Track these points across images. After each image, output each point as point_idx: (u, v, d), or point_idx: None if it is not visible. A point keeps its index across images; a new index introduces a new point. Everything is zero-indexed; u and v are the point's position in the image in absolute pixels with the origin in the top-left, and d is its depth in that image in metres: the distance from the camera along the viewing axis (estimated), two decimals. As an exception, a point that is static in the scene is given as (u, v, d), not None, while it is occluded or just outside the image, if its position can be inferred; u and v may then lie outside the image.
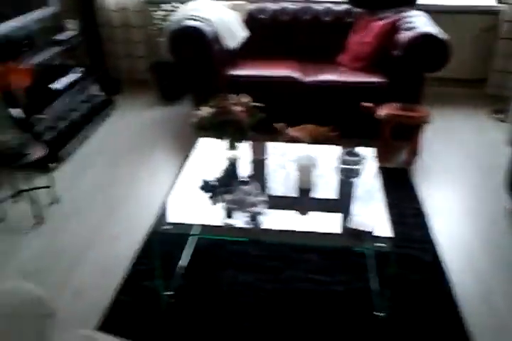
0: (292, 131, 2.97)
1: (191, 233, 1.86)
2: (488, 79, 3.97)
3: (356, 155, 2.24)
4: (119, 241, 2.34)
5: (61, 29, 3.42)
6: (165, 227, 1.81)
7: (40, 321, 1.22)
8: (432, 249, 2.27)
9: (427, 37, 3.03)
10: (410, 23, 3.33)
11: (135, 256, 2.22)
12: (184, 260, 2.19)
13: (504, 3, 3.73)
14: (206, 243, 2.28)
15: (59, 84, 3.13)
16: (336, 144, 2.45)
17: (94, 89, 3.63)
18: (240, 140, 2.26)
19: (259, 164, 2.35)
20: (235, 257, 2.21)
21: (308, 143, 2.84)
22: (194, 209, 1.95)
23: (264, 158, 2.40)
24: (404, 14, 3.53)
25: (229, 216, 1.86)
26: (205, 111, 2.19)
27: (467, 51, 4.00)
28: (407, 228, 2.41)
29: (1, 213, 2.49)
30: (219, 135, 2.23)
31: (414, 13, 3.55)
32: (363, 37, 3.47)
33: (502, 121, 3.58)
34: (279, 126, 2.99)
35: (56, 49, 3.20)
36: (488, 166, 3.01)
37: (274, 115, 3.15)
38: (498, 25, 3.80)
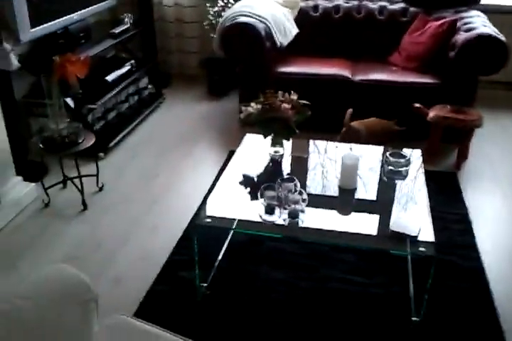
0: (354, 123, 2.91)
1: (232, 227, 1.87)
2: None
3: (403, 156, 2.20)
4: (159, 232, 2.39)
5: (117, 23, 3.51)
6: (205, 220, 1.84)
7: (84, 305, 1.24)
8: (475, 256, 2.21)
9: (483, 38, 2.94)
10: (469, 23, 3.23)
11: (174, 247, 2.26)
12: (221, 254, 2.22)
13: None
14: (244, 238, 2.30)
15: (112, 76, 3.22)
16: (399, 140, 2.41)
17: (145, 82, 3.72)
18: (286, 137, 2.27)
19: (302, 162, 2.35)
20: (272, 254, 2.22)
21: (367, 136, 2.80)
22: (234, 204, 1.97)
23: (308, 155, 2.40)
24: (462, 14, 3.43)
25: (269, 212, 1.87)
26: (254, 107, 2.21)
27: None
28: (450, 233, 2.35)
29: (48, 198, 2.58)
30: (266, 131, 2.23)
31: (473, 13, 3.44)
32: (418, 37, 3.39)
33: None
34: (347, 112, 2.91)
35: (111, 42, 3.29)
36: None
37: (323, 114, 3.16)
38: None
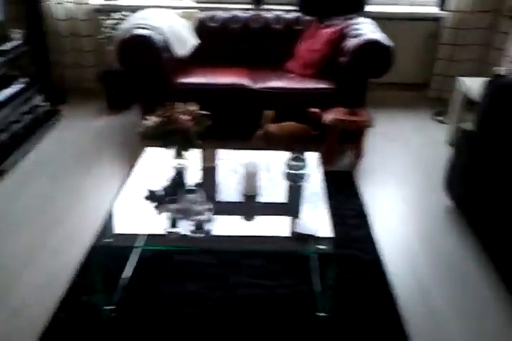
0: (271, 127, 2.97)
1: (135, 244, 1.86)
2: (430, 83, 4.12)
3: (302, 160, 2.29)
4: (60, 256, 2.30)
5: (5, 39, 3.35)
6: (107, 240, 1.80)
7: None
8: (373, 248, 2.35)
9: (371, 44, 3.13)
10: (357, 30, 3.43)
11: (77, 271, 2.18)
12: (128, 272, 2.17)
13: (446, 11, 3.89)
14: (152, 254, 2.27)
15: (1, 95, 3.06)
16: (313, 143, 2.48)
17: (39, 100, 3.56)
18: (187, 148, 2.28)
19: (206, 172, 2.37)
20: (182, 267, 2.21)
21: (283, 140, 2.86)
22: (138, 219, 1.95)
23: (212, 165, 2.42)
24: (351, 21, 3.63)
25: (174, 225, 1.87)
26: (152, 120, 2.20)
27: (412, 56, 4.15)
28: (349, 228, 2.48)
29: None
30: (166, 144, 2.24)
31: (361, 20, 3.65)
32: (312, 44, 3.55)
33: (442, 122, 3.73)
34: (267, 113, 2.97)
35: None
36: (429, 166, 3.13)
37: (228, 122, 3.22)
38: (440, 31, 3.95)
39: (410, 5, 4.16)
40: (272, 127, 2.97)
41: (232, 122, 3.29)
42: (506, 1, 3.69)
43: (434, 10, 4.02)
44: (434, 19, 3.99)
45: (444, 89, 4.09)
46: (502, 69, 3.19)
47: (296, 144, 2.64)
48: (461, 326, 1.94)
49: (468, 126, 2.87)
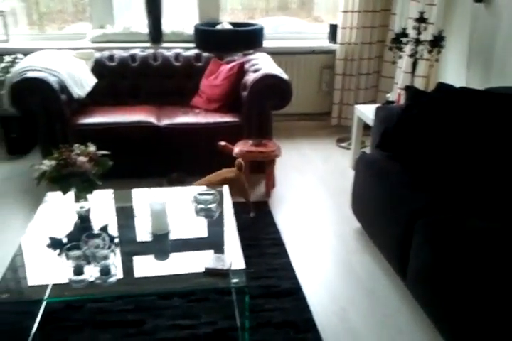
0: (199, 182, 2.81)
1: (38, 297, 1.72)
2: (331, 111, 4.33)
3: (210, 194, 2.27)
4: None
5: None
6: (4, 296, 1.65)
7: None
8: (291, 275, 2.36)
9: (268, 77, 3.25)
10: (255, 65, 3.56)
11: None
12: (35, 327, 2.00)
13: (335, 44, 4.15)
14: (60, 305, 2.12)
15: None
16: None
17: None
18: (88, 191, 2.18)
19: (112, 213, 2.28)
20: (95, 315, 2.08)
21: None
22: (41, 270, 1.82)
23: (118, 206, 2.34)
24: (250, 57, 3.77)
25: (78, 273, 1.76)
26: (47, 164, 2.09)
27: (312, 87, 4.36)
28: (267, 259, 2.48)
29: None
30: (64, 188, 2.12)
31: (259, 55, 3.80)
32: (214, 80, 3.61)
33: (346, 148, 3.92)
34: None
35: None
36: (336, 190, 3.25)
37: (131, 162, 3.15)
38: (335, 62, 4.20)
39: (304, 39, 4.40)
40: (200, 183, 2.81)
41: (138, 161, 3.23)
42: (389, 34, 4.00)
43: (327, 43, 4.27)
44: (328, 52, 4.24)
45: (343, 116, 4.32)
46: (392, 96, 3.43)
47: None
48: (376, 339, 2.00)
49: (369, 150, 3.03)
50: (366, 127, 3.46)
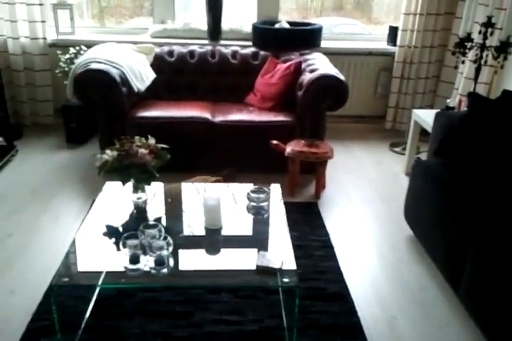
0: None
1: (94, 283, 1.77)
2: (386, 115, 4.25)
3: (263, 192, 2.28)
4: (16, 297, 2.17)
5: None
6: (64, 279, 1.72)
7: None
8: (339, 279, 2.33)
9: (325, 78, 3.22)
10: (312, 64, 3.54)
11: (34, 313, 2.06)
12: (89, 312, 2.07)
13: (395, 46, 4.07)
14: (114, 292, 2.18)
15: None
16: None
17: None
18: (146, 182, 2.24)
19: (167, 206, 2.33)
20: (145, 305, 2.13)
21: None
22: (97, 257, 1.88)
23: (174, 199, 2.39)
24: (306, 57, 3.75)
25: (133, 262, 1.80)
26: (109, 154, 2.16)
27: (368, 90, 4.29)
28: (315, 261, 2.46)
29: None
30: (124, 178, 2.19)
31: (315, 55, 3.78)
32: (270, 78, 3.62)
33: (399, 153, 3.84)
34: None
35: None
36: (388, 196, 3.18)
37: (184, 156, 3.20)
38: (393, 65, 4.12)
39: (359, 40, 4.34)
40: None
41: (191, 156, 3.27)
42: (451, 38, 3.89)
43: (386, 45, 4.20)
44: (386, 54, 4.16)
45: (398, 120, 4.24)
46: (452, 102, 3.33)
47: None
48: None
49: (425, 156, 2.96)
50: (422, 132, 3.38)
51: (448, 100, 3.38)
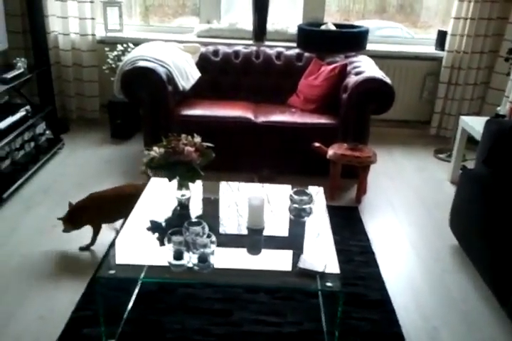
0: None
1: (138, 277, 1.79)
2: (431, 120, 4.17)
3: (306, 194, 2.26)
4: (61, 287, 2.23)
5: (9, 67, 3.36)
6: (109, 272, 1.74)
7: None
8: (380, 286, 2.29)
9: (371, 81, 3.18)
10: (358, 67, 3.49)
11: (77, 303, 2.11)
12: (131, 305, 2.10)
13: (443, 51, 3.98)
14: (155, 287, 2.21)
15: (5, 123, 3.05)
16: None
17: (41, 128, 3.57)
18: (191, 180, 2.25)
19: (210, 204, 2.34)
20: (185, 301, 2.14)
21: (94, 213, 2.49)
22: (141, 251, 1.90)
23: (216, 197, 2.40)
24: (352, 59, 3.71)
25: (177, 258, 1.81)
26: (157, 151, 2.18)
27: (413, 94, 4.21)
28: (355, 266, 2.43)
29: None
30: (170, 175, 2.21)
31: (361, 58, 3.73)
32: (313, 80, 3.59)
33: (444, 160, 3.75)
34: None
35: (3, 87, 3.13)
36: (432, 203, 3.11)
37: (224, 155, 3.20)
38: (440, 70, 4.03)
39: (403, 44, 4.26)
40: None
41: (232, 155, 3.28)
42: (504, 44, 3.78)
43: (432, 49, 4.11)
44: (433, 58, 4.08)
45: (444, 126, 4.14)
46: (502, 109, 3.23)
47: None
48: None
49: (471, 164, 2.88)
50: (468, 140, 3.29)
51: (498, 108, 3.28)
